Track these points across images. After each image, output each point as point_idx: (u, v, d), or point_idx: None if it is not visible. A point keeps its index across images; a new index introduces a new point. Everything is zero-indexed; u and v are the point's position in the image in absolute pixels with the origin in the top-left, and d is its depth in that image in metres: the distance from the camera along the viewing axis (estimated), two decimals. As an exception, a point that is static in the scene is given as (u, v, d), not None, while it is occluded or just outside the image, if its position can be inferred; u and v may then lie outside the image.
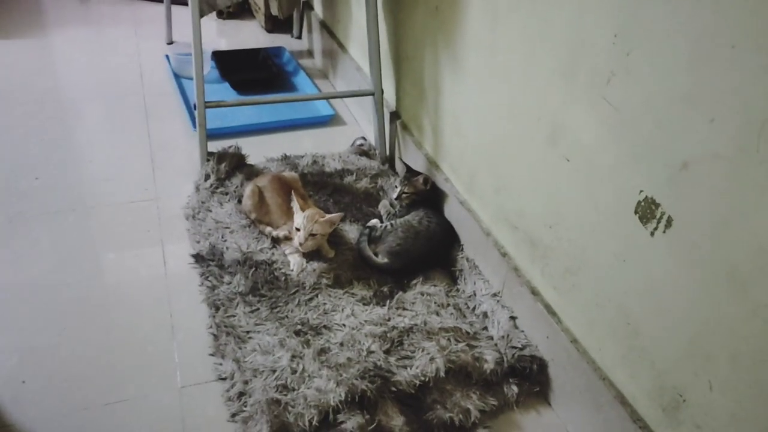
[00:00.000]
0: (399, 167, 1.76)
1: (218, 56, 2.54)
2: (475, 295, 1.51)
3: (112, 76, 2.46)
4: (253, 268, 1.52)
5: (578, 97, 1.14)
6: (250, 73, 2.49)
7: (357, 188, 1.85)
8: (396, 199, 1.69)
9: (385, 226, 1.62)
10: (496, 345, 1.38)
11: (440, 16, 1.60)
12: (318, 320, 1.41)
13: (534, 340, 1.35)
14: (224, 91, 2.40)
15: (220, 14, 3.06)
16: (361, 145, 2.02)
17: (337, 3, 2.44)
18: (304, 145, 2.10)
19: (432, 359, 1.30)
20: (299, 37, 2.92)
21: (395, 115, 1.99)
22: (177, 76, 2.43)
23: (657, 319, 1.03)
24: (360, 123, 2.26)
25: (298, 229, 1.51)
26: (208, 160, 1.84)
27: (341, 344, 1.34)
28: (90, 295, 1.49)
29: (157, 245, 1.64)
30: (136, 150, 2.02)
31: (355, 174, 1.90)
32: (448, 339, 1.36)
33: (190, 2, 1.74)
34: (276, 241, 1.61)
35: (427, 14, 1.68)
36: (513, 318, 1.41)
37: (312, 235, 1.52)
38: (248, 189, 1.67)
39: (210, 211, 1.71)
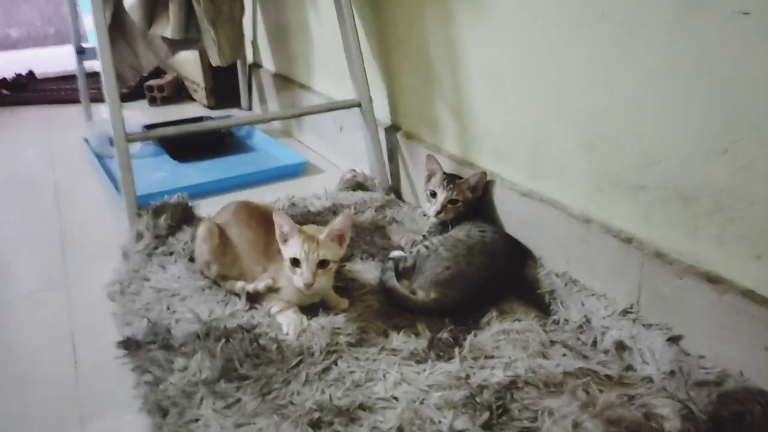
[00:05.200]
0: (429, 166, 1.19)
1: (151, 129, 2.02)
2: (589, 322, 0.93)
3: (16, 173, 1.91)
4: (223, 340, 0.91)
5: None
6: (193, 137, 1.97)
7: (361, 221, 1.29)
8: (438, 214, 1.13)
9: (417, 251, 1.06)
10: (664, 389, 0.79)
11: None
12: (346, 398, 0.79)
13: (733, 364, 0.77)
14: (162, 164, 1.87)
15: (153, 101, 2.60)
16: (353, 177, 1.49)
17: (289, 37, 2.00)
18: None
19: (577, 425, 0.69)
20: (249, 108, 2.46)
21: (393, 128, 1.48)
22: (100, 158, 1.90)
23: None
24: (341, 168, 1.74)
25: (295, 263, 0.93)
26: (139, 215, 1.26)
27: (399, 430, 0.73)
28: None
29: (65, 340, 1.02)
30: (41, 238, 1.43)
31: (353, 207, 1.35)
32: (585, 390, 0.76)
33: (102, 74, 1.30)
34: (255, 299, 1.02)
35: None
36: (674, 339, 0.83)
37: (322, 263, 0.93)
38: (201, 230, 1.09)
39: (147, 279, 1.11)
